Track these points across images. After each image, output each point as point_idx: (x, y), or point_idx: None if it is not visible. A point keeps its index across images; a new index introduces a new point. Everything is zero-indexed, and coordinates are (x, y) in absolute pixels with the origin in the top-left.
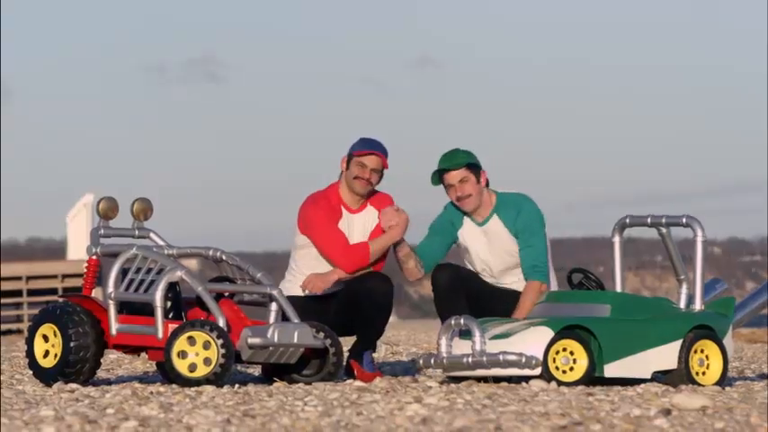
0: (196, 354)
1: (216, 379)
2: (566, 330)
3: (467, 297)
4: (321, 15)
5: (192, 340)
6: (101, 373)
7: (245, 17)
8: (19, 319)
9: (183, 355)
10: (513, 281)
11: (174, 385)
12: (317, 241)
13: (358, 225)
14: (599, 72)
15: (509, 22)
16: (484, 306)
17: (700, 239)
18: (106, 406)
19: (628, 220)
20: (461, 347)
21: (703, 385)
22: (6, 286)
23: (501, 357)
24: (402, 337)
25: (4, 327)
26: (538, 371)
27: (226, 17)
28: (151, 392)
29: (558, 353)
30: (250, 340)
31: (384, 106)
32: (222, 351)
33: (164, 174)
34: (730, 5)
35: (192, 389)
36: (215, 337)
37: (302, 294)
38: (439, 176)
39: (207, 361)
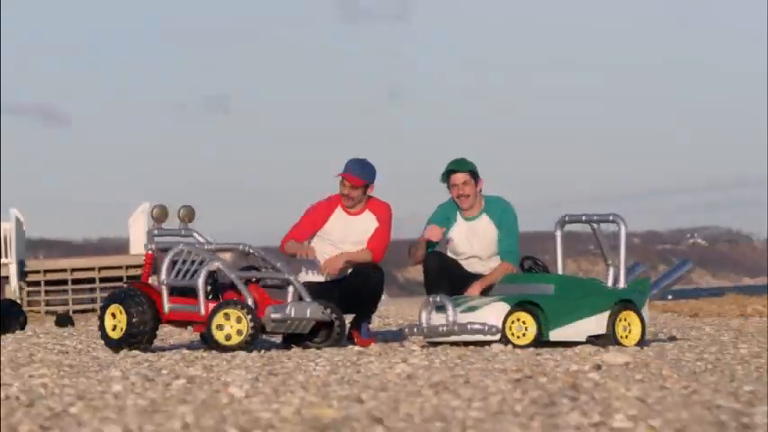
0: (230, 326)
1: (246, 346)
2: (519, 304)
3: (448, 279)
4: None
5: (227, 316)
6: (157, 343)
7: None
8: (93, 300)
9: (220, 327)
10: (485, 263)
11: (213, 351)
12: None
13: (356, 226)
14: (533, 79)
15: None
16: (462, 286)
17: (623, 232)
18: (161, 368)
19: (566, 218)
20: (438, 319)
21: (626, 346)
22: (84, 275)
23: (469, 326)
24: (391, 311)
25: (81, 306)
26: (498, 336)
27: (238, 60)
28: (196, 357)
29: (513, 322)
30: (273, 315)
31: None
32: (251, 324)
33: (204, 185)
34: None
35: (228, 354)
36: (245, 314)
37: (316, 281)
38: (447, 175)
39: (239, 332)
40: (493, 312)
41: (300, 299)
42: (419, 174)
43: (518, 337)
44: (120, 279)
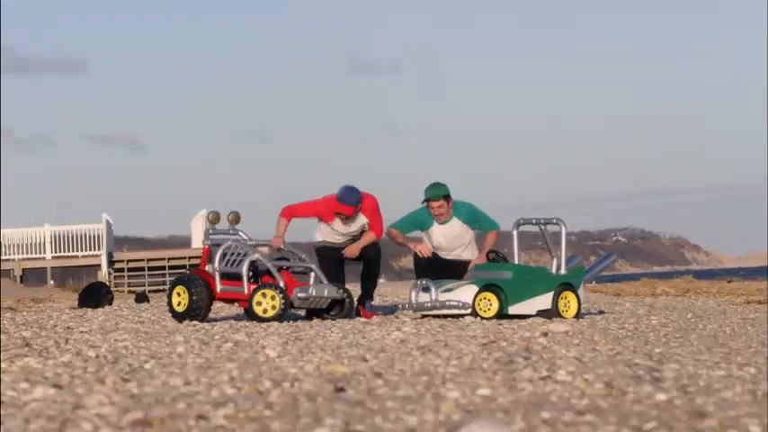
0: (267, 303)
1: (278, 318)
2: (485, 286)
3: (434, 267)
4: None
5: (264, 295)
6: (211, 315)
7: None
8: (164, 283)
9: (259, 303)
10: (459, 253)
11: (254, 322)
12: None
13: (356, 222)
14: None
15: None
16: (445, 270)
17: (563, 231)
18: (214, 334)
19: (521, 221)
20: (423, 297)
21: (566, 318)
22: (157, 264)
23: (447, 303)
24: (388, 292)
25: (155, 288)
26: (469, 311)
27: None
28: (240, 326)
29: (481, 300)
30: (299, 294)
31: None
32: (282, 301)
33: (248, 196)
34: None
35: (264, 324)
36: (278, 293)
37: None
38: (426, 201)
39: (273, 307)
40: (465, 292)
41: (320, 282)
42: (409, 191)
43: (485, 311)
44: (184, 267)
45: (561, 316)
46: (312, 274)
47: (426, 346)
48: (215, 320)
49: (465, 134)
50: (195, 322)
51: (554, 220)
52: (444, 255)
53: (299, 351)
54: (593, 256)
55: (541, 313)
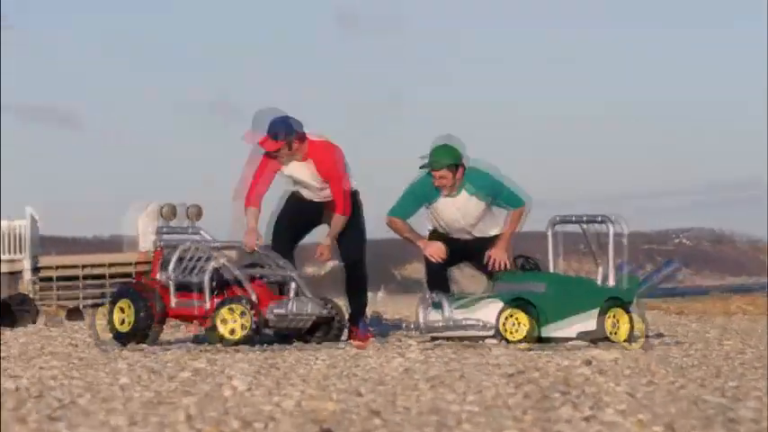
0: (234, 321)
1: (248, 340)
2: (512, 302)
3: (452, 252)
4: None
5: (231, 310)
6: (163, 336)
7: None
8: (103, 295)
9: (224, 321)
10: (480, 228)
11: (217, 346)
12: None
13: (305, 171)
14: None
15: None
16: (469, 251)
17: (612, 232)
18: (167, 361)
19: (558, 219)
20: (434, 316)
21: (615, 342)
22: (94, 271)
23: (464, 323)
24: (388, 308)
25: (92, 301)
26: (492, 332)
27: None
28: (201, 351)
29: (506, 319)
30: (275, 311)
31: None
32: (254, 319)
33: (210, 186)
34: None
35: (231, 348)
36: (248, 309)
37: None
38: (429, 167)
39: (243, 326)
40: (487, 309)
41: (302, 295)
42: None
43: (512, 333)
44: (129, 275)
45: (609, 339)
46: (292, 285)
47: (437, 378)
48: (168, 343)
49: (481, 107)
50: (143, 345)
51: (599, 218)
52: (457, 227)
53: (274, 383)
54: (649, 264)
55: (584, 336)
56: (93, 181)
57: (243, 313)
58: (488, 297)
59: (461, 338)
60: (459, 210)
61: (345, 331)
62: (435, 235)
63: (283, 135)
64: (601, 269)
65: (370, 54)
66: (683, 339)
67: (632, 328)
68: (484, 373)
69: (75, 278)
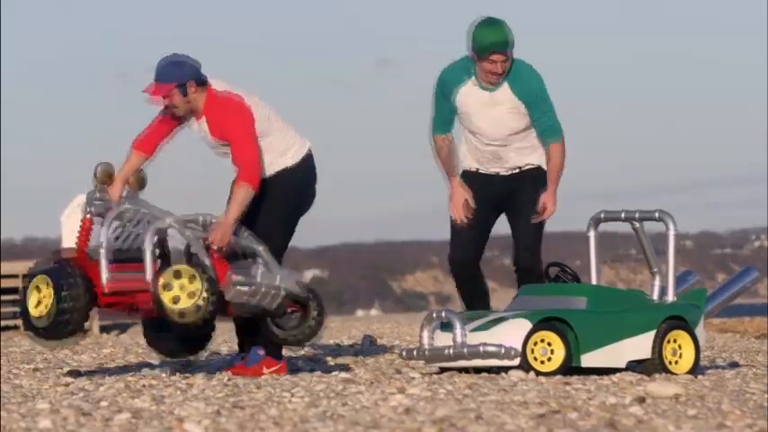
0: (181, 287)
1: (201, 316)
2: (543, 322)
3: (484, 206)
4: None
5: (177, 273)
6: (95, 368)
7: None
8: (16, 315)
9: (168, 287)
10: (512, 155)
11: (165, 378)
12: None
13: (202, 131)
14: (571, 70)
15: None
16: (503, 200)
17: (672, 233)
18: (100, 399)
19: (602, 216)
20: (443, 340)
21: (676, 374)
22: (5, 284)
23: (481, 349)
24: (386, 330)
25: (3, 323)
26: (517, 361)
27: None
28: (143, 385)
29: (536, 344)
30: (234, 278)
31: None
32: (206, 285)
33: (155, 174)
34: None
35: (182, 383)
36: (200, 272)
37: None
38: (485, 52)
39: (191, 294)
40: (511, 331)
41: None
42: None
43: (542, 363)
44: None
45: (668, 370)
46: (259, 260)
47: (446, 420)
48: (102, 373)
49: None
50: (69, 379)
51: (656, 214)
52: (487, 141)
53: (238, 426)
54: (721, 273)
55: (635, 365)
56: (4, 168)
57: (193, 278)
58: (512, 316)
59: (478, 370)
60: (494, 107)
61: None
62: (466, 177)
63: (173, 78)
64: (657, 280)
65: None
66: (764, 370)
67: (698, 356)
68: (507, 413)
69: None
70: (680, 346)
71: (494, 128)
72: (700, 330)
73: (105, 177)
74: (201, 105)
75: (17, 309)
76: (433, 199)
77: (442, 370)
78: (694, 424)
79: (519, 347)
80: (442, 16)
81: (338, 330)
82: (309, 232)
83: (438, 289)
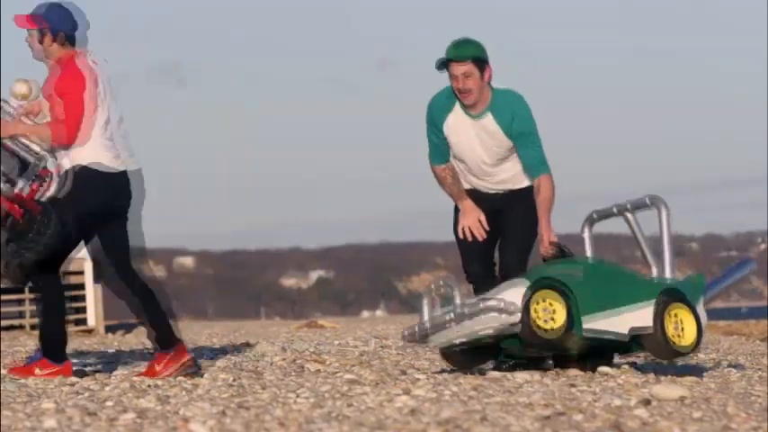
0: None
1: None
2: (543, 282)
3: (492, 219)
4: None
5: None
6: (100, 367)
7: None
8: (21, 315)
9: None
10: (505, 178)
11: (170, 379)
12: None
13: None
14: (571, 70)
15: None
16: (506, 213)
17: (665, 214)
18: (105, 399)
19: (595, 216)
20: (442, 310)
21: (682, 347)
22: (9, 283)
23: (481, 304)
24: (391, 331)
25: (6, 323)
26: (517, 317)
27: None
28: (149, 386)
29: (538, 303)
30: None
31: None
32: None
33: (157, 173)
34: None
35: (188, 383)
36: None
37: None
38: (445, 64)
39: None
40: (510, 290)
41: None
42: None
43: (545, 323)
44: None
45: (672, 343)
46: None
47: (451, 421)
48: (108, 373)
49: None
50: (74, 378)
51: (647, 200)
52: (478, 166)
53: (243, 426)
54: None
55: (638, 347)
56: None
57: None
58: (511, 281)
59: (477, 347)
60: (479, 137)
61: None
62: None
63: (40, 20)
64: (655, 269)
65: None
66: None
67: (701, 332)
68: (512, 415)
69: None
70: (681, 321)
71: (479, 156)
72: (700, 309)
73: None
74: (53, 60)
75: (20, 309)
76: (437, 200)
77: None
78: (699, 426)
79: (519, 303)
80: (443, 16)
81: (344, 331)
82: (314, 233)
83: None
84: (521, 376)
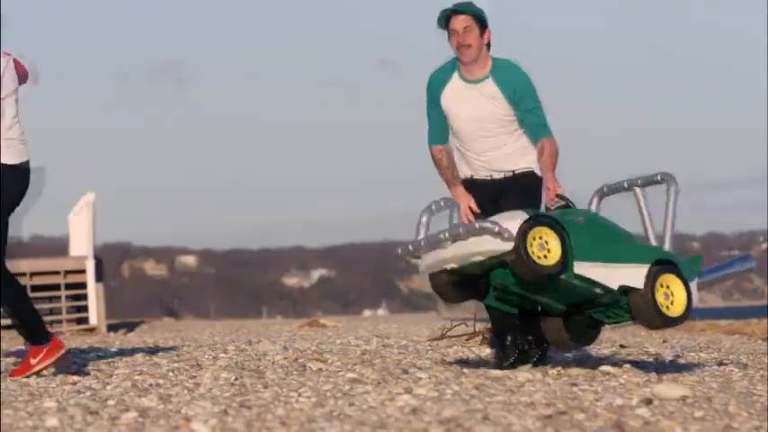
0: None
1: None
2: (540, 219)
3: (486, 211)
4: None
5: None
6: (102, 366)
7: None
8: None
9: None
10: (499, 156)
11: (172, 377)
12: None
13: None
14: (576, 69)
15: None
16: (501, 202)
17: (673, 193)
18: (107, 397)
19: (605, 188)
20: (439, 228)
21: (668, 316)
22: None
23: (477, 225)
24: (393, 330)
25: (8, 321)
26: (510, 245)
27: (192, 24)
28: (150, 384)
29: (534, 239)
30: None
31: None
32: None
33: (160, 173)
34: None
35: (190, 382)
36: None
37: None
38: (446, 20)
39: None
40: (507, 219)
41: None
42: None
43: (539, 257)
44: (57, 287)
45: (658, 308)
46: None
47: (453, 420)
48: (109, 372)
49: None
50: (76, 377)
51: (658, 177)
52: (476, 138)
53: (245, 425)
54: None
55: (628, 290)
56: None
57: None
58: (512, 212)
59: (468, 284)
60: (477, 102)
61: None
62: (463, 184)
63: None
64: (651, 232)
65: None
66: None
67: (690, 304)
68: (514, 414)
69: None
70: (671, 292)
71: (476, 125)
72: (693, 287)
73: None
74: None
75: None
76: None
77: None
78: (701, 426)
79: (514, 231)
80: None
81: (345, 330)
82: (316, 232)
83: None
84: (522, 375)
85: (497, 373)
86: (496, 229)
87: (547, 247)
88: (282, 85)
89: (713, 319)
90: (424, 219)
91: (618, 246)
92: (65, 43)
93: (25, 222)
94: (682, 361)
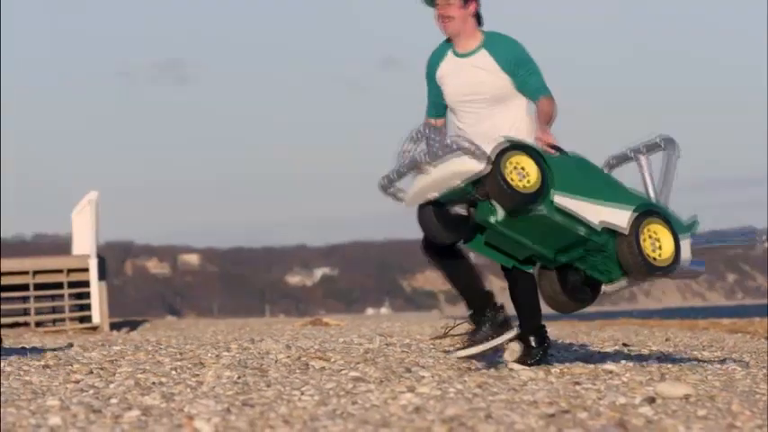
0: None
1: None
2: (518, 146)
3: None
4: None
5: None
6: (105, 365)
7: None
8: (26, 312)
9: None
10: (495, 133)
11: (175, 375)
12: None
13: None
14: (571, 70)
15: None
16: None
17: (674, 157)
18: (110, 396)
19: (613, 160)
20: (422, 147)
21: (655, 261)
22: (14, 280)
23: (455, 145)
24: (396, 328)
25: (12, 320)
26: (486, 167)
27: (195, 22)
28: (153, 383)
29: (512, 165)
30: None
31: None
32: None
33: (163, 171)
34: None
35: (193, 381)
36: None
37: None
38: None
39: None
40: (488, 142)
41: None
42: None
43: (516, 181)
44: (60, 285)
45: (649, 260)
46: None
47: (456, 419)
48: (112, 371)
49: None
50: (79, 376)
51: (658, 140)
52: (468, 117)
53: (248, 424)
54: (731, 274)
55: (610, 228)
56: (14, 167)
57: None
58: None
59: (456, 222)
60: (472, 74)
61: None
62: None
63: None
64: (647, 188)
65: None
66: None
67: (678, 254)
68: (517, 413)
69: None
70: (658, 240)
71: (468, 96)
72: (684, 242)
73: None
74: None
75: (25, 306)
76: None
77: (453, 370)
78: (704, 424)
79: (489, 152)
80: None
81: (348, 329)
82: (319, 231)
83: (448, 287)
84: (525, 374)
85: (500, 371)
86: (473, 149)
87: (525, 174)
88: (285, 83)
89: (716, 317)
90: (406, 146)
91: (604, 187)
92: (66, 43)
93: (29, 220)
94: (684, 359)
